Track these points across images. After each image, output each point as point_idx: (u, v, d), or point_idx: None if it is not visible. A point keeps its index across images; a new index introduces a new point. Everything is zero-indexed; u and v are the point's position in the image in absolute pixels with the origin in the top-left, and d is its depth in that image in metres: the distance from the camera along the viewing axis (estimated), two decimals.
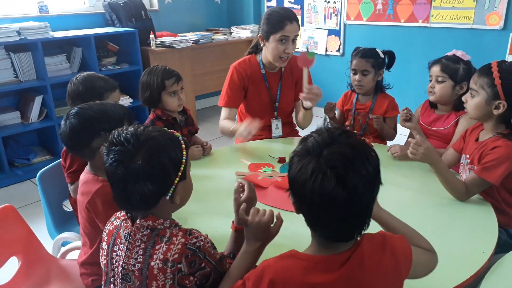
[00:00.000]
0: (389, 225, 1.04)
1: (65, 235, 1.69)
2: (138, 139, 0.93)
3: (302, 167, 0.80)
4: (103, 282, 1.04)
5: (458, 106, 1.92)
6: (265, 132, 2.24)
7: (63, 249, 1.66)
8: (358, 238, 0.85)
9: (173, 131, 1.01)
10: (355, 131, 2.26)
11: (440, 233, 1.29)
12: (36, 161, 3.37)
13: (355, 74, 2.15)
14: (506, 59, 3.07)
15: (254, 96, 2.23)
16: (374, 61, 2.11)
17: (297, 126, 2.41)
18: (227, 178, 1.68)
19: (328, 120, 2.26)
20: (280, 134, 2.24)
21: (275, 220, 1.05)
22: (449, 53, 1.93)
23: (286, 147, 2.07)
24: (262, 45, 2.14)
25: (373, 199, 0.83)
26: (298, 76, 2.21)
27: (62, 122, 1.29)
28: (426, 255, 0.98)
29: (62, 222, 1.83)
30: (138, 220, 0.96)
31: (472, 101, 1.51)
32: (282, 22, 2.02)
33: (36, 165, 3.33)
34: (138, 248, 0.95)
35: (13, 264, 1.48)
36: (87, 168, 1.34)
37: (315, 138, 0.83)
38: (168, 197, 0.95)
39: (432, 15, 3.47)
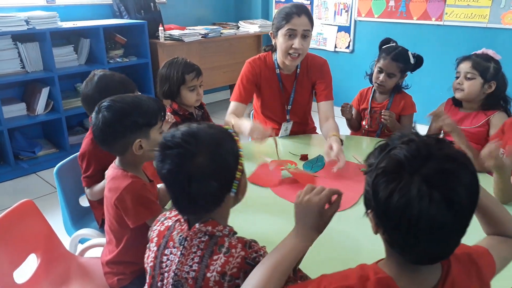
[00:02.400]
0: (487, 211, 0.91)
1: (84, 231, 1.64)
2: (197, 138, 0.88)
3: (402, 188, 0.67)
4: (147, 285, 0.98)
5: (487, 105, 1.89)
6: (277, 131, 2.16)
7: (81, 246, 1.61)
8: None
9: (221, 124, 0.97)
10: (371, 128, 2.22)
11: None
12: (41, 154, 3.30)
13: (380, 72, 2.09)
14: None
15: (267, 96, 2.16)
16: (403, 66, 2.05)
17: (314, 124, 2.36)
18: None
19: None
20: (287, 134, 2.17)
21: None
22: (479, 51, 1.90)
23: (304, 145, 2.03)
24: (273, 43, 2.05)
25: (473, 212, 0.72)
26: (316, 76, 2.11)
27: (93, 115, 1.24)
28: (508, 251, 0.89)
29: (78, 218, 1.78)
30: (197, 224, 0.91)
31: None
32: (289, 15, 1.91)
33: (41, 158, 3.27)
34: (194, 255, 0.89)
35: (32, 262, 1.43)
36: (115, 163, 1.29)
37: (405, 150, 0.70)
38: (232, 193, 0.91)
39: (446, 13, 3.43)
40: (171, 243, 0.93)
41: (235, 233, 0.93)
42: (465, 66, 1.87)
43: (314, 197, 0.88)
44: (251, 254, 0.87)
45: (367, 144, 2.07)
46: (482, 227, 0.96)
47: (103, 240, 1.47)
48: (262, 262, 0.83)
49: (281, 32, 1.93)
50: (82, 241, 1.66)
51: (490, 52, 1.85)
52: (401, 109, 2.14)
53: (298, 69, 2.10)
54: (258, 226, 1.33)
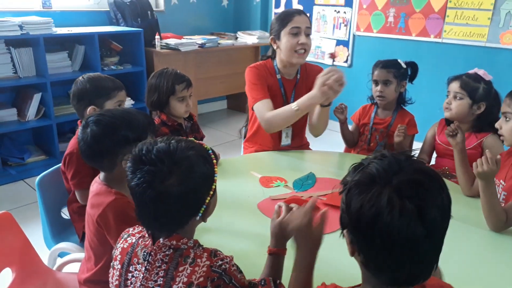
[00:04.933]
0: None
1: (63, 245, 1.58)
2: (172, 159, 0.84)
3: (371, 198, 0.67)
4: None
5: (477, 127, 1.86)
6: (274, 142, 2.12)
7: (60, 260, 1.55)
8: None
9: (202, 142, 0.93)
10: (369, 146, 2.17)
11: (471, 265, 1.21)
12: (30, 160, 3.25)
13: (377, 85, 2.08)
14: None
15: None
16: (396, 71, 2.05)
17: (308, 139, 2.31)
18: (237, 193, 1.58)
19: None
20: (289, 143, 2.12)
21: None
22: (471, 71, 1.87)
23: (297, 160, 1.98)
24: (275, 47, 2.03)
25: (444, 236, 0.71)
26: (313, 82, 2.09)
27: (80, 129, 1.19)
28: None
29: (59, 231, 1.71)
30: (161, 239, 0.88)
31: (509, 125, 1.43)
32: (291, 14, 1.95)
33: (30, 165, 3.22)
34: (158, 269, 0.86)
35: (6, 276, 1.37)
36: (99, 178, 1.23)
37: (378, 164, 0.71)
38: (198, 217, 0.89)
39: (445, 31, 3.42)
40: (135, 260, 0.90)
41: (201, 245, 0.91)
42: (454, 86, 1.85)
43: (292, 217, 0.96)
44: (217, 262, 0.86)
45: None
46: None
47: (82, 255, 1.41)
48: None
49: (284, 32, 1.95)
50: (61, 254, 1.60)
51: (481, 72, 1.82)
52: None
53: (298, 75, 2.09)
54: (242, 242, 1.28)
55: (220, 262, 0.86)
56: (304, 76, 2.11)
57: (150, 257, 0.88)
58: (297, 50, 1.95)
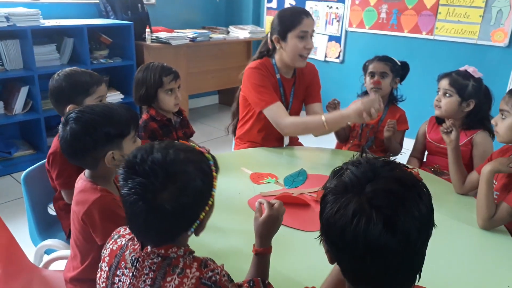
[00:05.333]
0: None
1: (50, 242, 1.55)
2: (167, 173, 0.79)
3: (340, 208, 0.66)
4: None
5: (467, 125, 1.86)
6: (271, 142, 2.08)
7: (46, 257, 1.52)
8: None
9: (204, 151, 0.88)
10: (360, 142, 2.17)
11: (461, 263, 1.21)
12: (17, 155, 3.19)
13: (372, 77, 2.07)
14: (511, 77, 3.05)
15: None
16: (392, 65, 2.06)
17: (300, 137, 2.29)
18: (227, 189, 1.56)
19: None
20: (287, 142, 2.12)
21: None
22: (461, 68, 1.87)
23: (288, 156, 1.97)
24: (278, 47, 1.97)
25: (426, 246, 0.69)
26: (309, 79, 2.10)
27: (60, 127, 1.15)
28: None
29: (46, 227, 1.68)
30: (149, 247, 0.84)
31: (504, 123, 1.43)
32: (299, 16, 1.90)
33: (17, 159, 3.16)
34: (146, 276, 0.82)
35: None
36: (84, 174, 1.20)
37: (352, 171, 0.69)
38: (190, 232, 0.85)
39: (437, 28, 3.42)
40: (122, 263, 0.86)
41: (192, 252, 0.87)
42: (444, 83, 1.85)
43: (276, 213, 1.00)
44: (207, 273, 0.82)
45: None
46: None
47: (69, 252, 1.38)
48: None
49: (292, 35, 1.90)
50: (48, 252, 1.57)
51: (471, 69, 1.81)
52: (396, 121, 2.10)
53: (295, 73, 2.07)
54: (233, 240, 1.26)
55: (210, 274, 0.82)
56: (300, 74, 2.09)
57: (138, 263, 0.84)
58: (302, 54, 1.93)
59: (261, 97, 1.94)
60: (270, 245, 1.01)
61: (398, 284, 0.69)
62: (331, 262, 0.74)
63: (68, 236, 1.58)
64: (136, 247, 0.86)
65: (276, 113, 1.92)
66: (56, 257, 1.48)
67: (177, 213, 0.80)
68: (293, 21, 1.90)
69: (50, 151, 1.53)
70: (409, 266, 0.67)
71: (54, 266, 1.50)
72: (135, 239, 0.88)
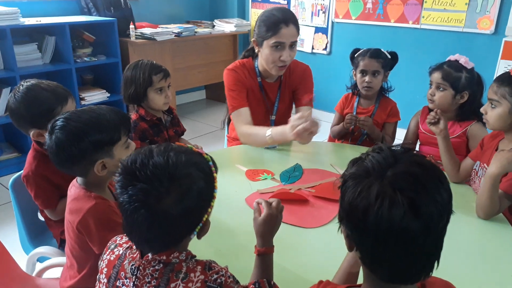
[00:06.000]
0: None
1: (42, 249, 1.50)
2: (171, 177, 0.76)
3: (363, 190, 0.66)
4: None
5: (460, 116, 1.86)
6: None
7: (39, 265, 1.47)
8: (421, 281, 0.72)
9: (202, 152, 0.86)
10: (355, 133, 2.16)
11: (464, 255, 1.21)
12: (2, 158, 3.10)
13: (364, 75, 2.03)
14: (497, 64, 3.07)
15: (250, 105, 1.99)
16: (384, 61, 2.02)
17: None
18: (224, 187, 1.51)
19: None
20: (275, 146, 2.08)
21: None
22: (452, 58, 1.85)
23: (282, 151, 1.94)
24: (256, 51, 1.91)
25: (444, 232, 0.69)
26: (297, 82, 2.01)
27: (47, 136, 1.10)
28: None
29: (37, 234, 1.63)
30: (150, 254, 0.81)
31: (494, 112, 1.43)
32: (277, 25, 1.76)
33: (2, 163, 3.07)
34: (148, 285, 0.80)
35: None
36: (77, 181, 1.16)
37: (374, 157, 0.69)
38: (193, 235, 0.83)
39: (423, 17, 3.42)
40: (122, 274, 0.83)
41: (194, 256, 0.84)
42: (437, 77, 1.83)
43: (275, 211, 1.00)
44: (212, 276, 0.80)
45: (347, 153, 2.00)
46: None
47: (63, 259, 1.34)
48: None
49: (267, 43, 1.80)
50: (41, 259, 1.52)
51: (462, 60, 1.80)
52: (387, 115, 2.10)
53: (281, 76, 1.99)
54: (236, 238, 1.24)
55: (215, 276, 0.80)
56: (288, 76, 2.01)
57: (139, 271, 0.81)
58: (278, 65, 1.84)
59: (230, 101, 1.94)
60: (272, 244, 1.00)
61: (417, 270, 0.68)
62: (350, 249, 0.73)
63: (60, 244, 1.54)
64: (135, 255, 0.84)
65: (237, 119, 1.92)
66: (50, 265, 1.43)
67: (182, 217, 0.77)
68: (268, 29, 1.78)
69: (23, 173, 1.43)
70: (429, 251, 0.67)
71: (47, 274, 1.46)
72: (133, 247, 0.85)
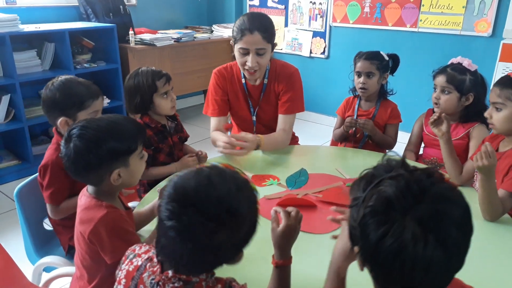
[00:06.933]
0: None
1: (49, 259, 1.49)
2: (231, 213, 0.74)
3: (394, 232, 0.63)
4: None
5: (464, 118, 1.87)
6: None
7: (46, 275, 1.46)
8: None
9: (247, 176, 0.84)
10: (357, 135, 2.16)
11: (470, 255, 1.21)
12: (2, 166, 3.08)
13: (359, 76, 2.06)
14: (496, 67, 3.10)
15: (234, 106, 2.08)
16: (379, 63, 2.03)
17: (295, 134, 2.28)
18: None
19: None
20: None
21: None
22: (454, 60, 1.87)
23: (286, 156, 1.95)
24: (232, 53, 1.94)
25: (467, 249, 0.69)
26: (281, 86, 2.01)
27: (63, 144, 1.09)
28: None
29: (43, 243, 1.62)
30: (170, 272, 0.80)
31: (499, 115, 1.44)
32: (242, 31, 1.79)
33: (2, 171, 3.05)
34: None
35: None
36: (87, 190, 1.15)
37: (394, 186, 0.66)
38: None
39: (421, 20, 3.45)
40: (141, 286, 0.82)
41: (213, 274, 0.83)
42: (441, 80, 1.84)
43: (294, 222, 0.98)
44: None
45: (351, 157, 2.00)
46: None
47: (71, 269, 1.34)
48: None
49: (236, 47, 1.86)
50: (47, 269, 1.51)
51: (466, 63, 1.81)
52: (388, 116, 2.11)
53: (266, 79, 2.01)
54: None
55: None
56: (273, 79, 2.02)
57: (158, 287, 0.80)
58: (246, 69, 1.87)
59: (210, 103, 2.04)
60: (290, 255, 0.98)
61: (435, 286, 0.69)
62: (362, 268, 0.72)
63: (67, 252, 1.53)
64: (155, 269, 0.82)
65: (211, 125, 2.03)
66: (57, 275, 1.42)
67: (228, 250, 0.77)
68: (237, 34, 1.82)
69: (41, 163, 1.47)
70: (453, 272, 0.68)
71: (54, 285, 1.45)
72: (153, 259, 0.84)
